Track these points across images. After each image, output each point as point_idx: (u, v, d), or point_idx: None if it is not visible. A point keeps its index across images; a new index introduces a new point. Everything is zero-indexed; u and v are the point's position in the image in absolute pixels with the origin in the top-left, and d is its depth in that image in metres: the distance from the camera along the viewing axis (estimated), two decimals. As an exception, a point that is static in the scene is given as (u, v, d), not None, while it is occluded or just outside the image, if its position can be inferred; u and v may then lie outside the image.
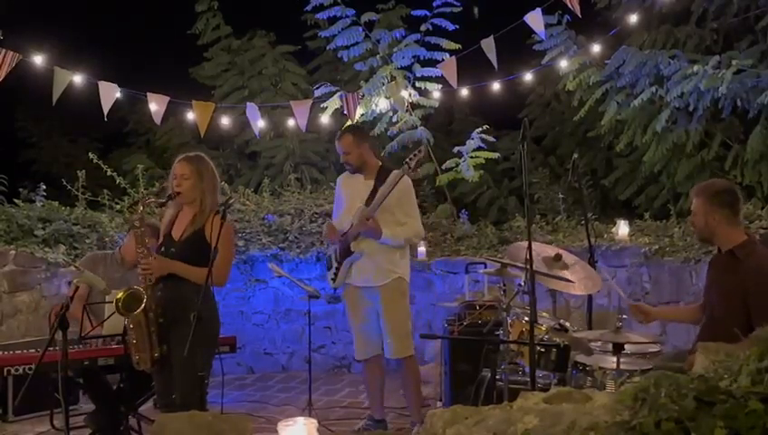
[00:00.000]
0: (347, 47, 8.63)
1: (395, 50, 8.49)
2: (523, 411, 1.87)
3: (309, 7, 8.71)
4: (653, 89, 7.41)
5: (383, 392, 5.37)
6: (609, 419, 1.68)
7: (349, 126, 5.67)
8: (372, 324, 5.14)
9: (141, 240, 4.11)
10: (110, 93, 6.97)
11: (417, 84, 8.42)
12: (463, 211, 8.45)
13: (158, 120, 7.46)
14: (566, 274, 4.24)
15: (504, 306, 4.31)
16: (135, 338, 4.03)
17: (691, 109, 7.36)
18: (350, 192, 5.22)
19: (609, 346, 3.71)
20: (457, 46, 8.03)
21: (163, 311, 4.06)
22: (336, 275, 5.15)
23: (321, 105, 8.37)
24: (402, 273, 5.11)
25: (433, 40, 8.31)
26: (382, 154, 9.05)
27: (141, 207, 4.25)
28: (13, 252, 6.42)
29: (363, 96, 8.23)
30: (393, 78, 8.40)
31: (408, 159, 4.88)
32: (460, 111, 11.76)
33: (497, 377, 4.29)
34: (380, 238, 4.93)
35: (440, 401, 5.72)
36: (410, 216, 5.10)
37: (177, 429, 2.26)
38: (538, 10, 7.12)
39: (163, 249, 4.21)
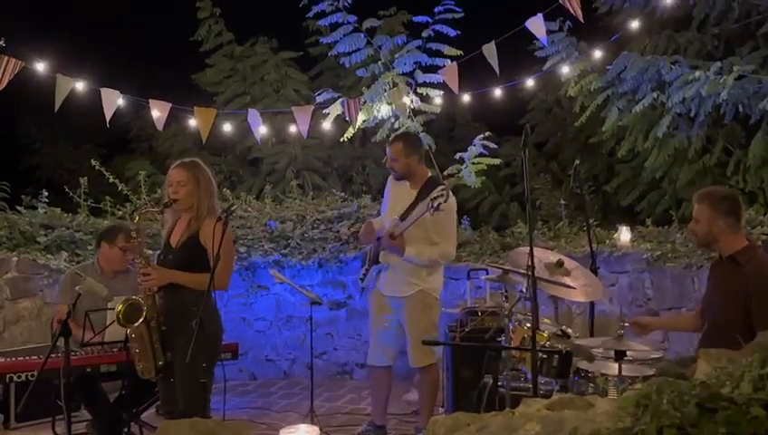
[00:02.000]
0: (348, 53, 8.64)
1: (396, 56, 8.50)
2: (525, 418, 1.86)
3: (310, 14, 8.72)
4: (654, 94, 7.41)
5: (388, 400, 5.36)
6: (612, 425, 1.68)
7: (403, 133, 5.62)
8: (391, 333, 5.15)
9: (139, 250, 4.11)
10: (113, 100, 6.98)
11: (419, 90, 8.43)
12: (464, 217, 8.45)
13: (159, 126, 7.47)
14: (568, 280, 4.24)
15: (506, 312, 4.30)
16: (138, 348, 4.04)
17: (692, 114, 7.36)
18: (395, 196, 5.22)
19: (612, 353, 3.70)
20: (459, 52, 8.03)
21: (165, 319, 4.06)
22: (365, 275, 5.20)
23: (324, 111, 8.38)
24: (427, 287, 5.07)
25: (434, 46, 8.32)
26: (384, 160, 9.05)
27: (137, 218, 4.23)
28: (15, 259, 6.43)
29: (365, 102, 8.24)
30: (395, 84, 8.41)
31: (432, 198, 4.67)
32: (462, 118, 11.79)
33: (499, 383, 4.29)
34: (403, 256, 4.93)
35: (442, 407, 5.72)
36: (444, 238, 5.03)
37: (179, 435, 2.26)
38: (539, 16, 7.12)
39: (162, 257, 4.22)
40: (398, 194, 5.18)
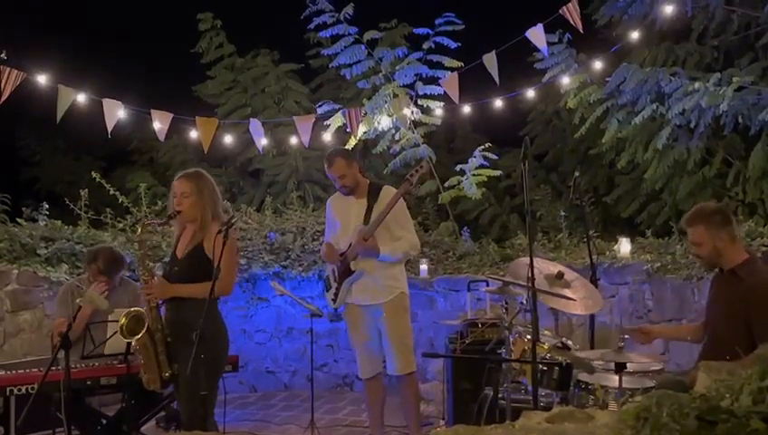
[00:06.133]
0: (349, 65, 8.67)
1: (397, 68, 8.53)
2: (526, 431, 1.87)
3: (312, 26, 8.76)
4: (654, 106, 7.43)
5: (383, 411, 5.34)
6: (612, 438, 1.68)
7: (335, 150, 5.63)
8: (375, 342, 5.12)
9: (143, 262, 4.12)
10: (114, 111, 7.00)
11: (420, 102, 8.45)
12: (465, 229, 8.45)
13: (161, 137, 7.50)
14: (568, 292, 4.24)
15: (507, 324, 4.30)
16: (143, 359, 4.04)
17: (692, 126, 7.38)
18: (343, 213, 5.20)
19: (612, 365, 3.70)
20: (459, 64, 8.07)
21: (170, 330, 4.06)
22: (336, 295, 5.14)
23: (325, 123, 8.40)
24: (403, 288, 5.10)
25: (435, 58, 8.35)
26: (384, 172, 9.08)
27: (140, 230, 4.25)
28: (15, 271, 6.43)
29: (366, 114, 8.26)
30: (396, 96, 8.43)
31: (409, 175, 4.88)
32: (462, 129, 11.81)
33: (500, 395, 4.28)
34: (379, 256, 4.93)
35: (443, 419, 5.71)
36: (405, 229, 5.07)
37: (179, 449, 2.26)
38: (539, 25, 7.16)
39: (168, 268, 4.23)
40: (347, 210, 5.17)
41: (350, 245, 4.98)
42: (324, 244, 5.34)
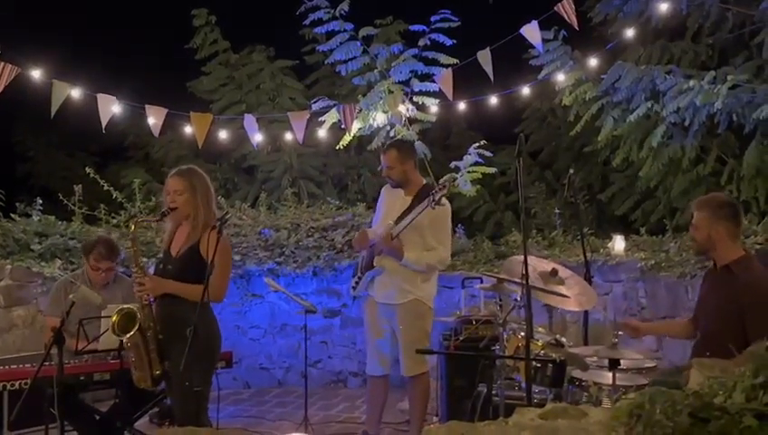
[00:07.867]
0: (345, 61, 8.64)
1: (393, 65, 8.51)
2: (519, 427, 1.87)
3: (307, 22, 8.73)
4: (649, 104, 7.44)
5: (383, 410, 5.33)
6: (605, 435, 1.68)
7: (397, 140, 5.57)
8: (386, 342, 5.09)
9: (135, 259, 4.11)
10: (109, 106, 6.98)
11: (415, 99, 8.44)
12: (459, 226, 8.44)
13: (156, 132, 7.47)
14: (562, 289, 4.25)
15: (501, 321, 4.31)
16: (134, 357, 4.03)
17: (687, 124, 7.39)
18: (388, 205, 5.17)
19: (606, 362, 3.71)
20: (455, 61, 8.06)
21: (162, 328, 4.05)
22: (357, 283, 5.14)
23: (319, 119, 8.38)
24: (421, 296, 5.00)
25: (431, 55, 8.34)
26: (379, 168, 9.05)
27: (133, 227, 4.24)
28: (9, 266, 6.41)
29: (360, 110, 8.25)
30: (391, 92, 8.41)
31: (433, 192, 4.70)
32: (457, 126, 11.81)
33: (493, 392, 4.29)
34: (401, 260, 4.88)
35: (437, 416, 5.71)
36: (440, 242, 4.99)
37: (172, 444, 2.26)
38: (534, 22, 7.16)
39: (161, 266, 4.21)
40: (391, 202, 5.15)
41: None
42: (361, 229, 5.32)
